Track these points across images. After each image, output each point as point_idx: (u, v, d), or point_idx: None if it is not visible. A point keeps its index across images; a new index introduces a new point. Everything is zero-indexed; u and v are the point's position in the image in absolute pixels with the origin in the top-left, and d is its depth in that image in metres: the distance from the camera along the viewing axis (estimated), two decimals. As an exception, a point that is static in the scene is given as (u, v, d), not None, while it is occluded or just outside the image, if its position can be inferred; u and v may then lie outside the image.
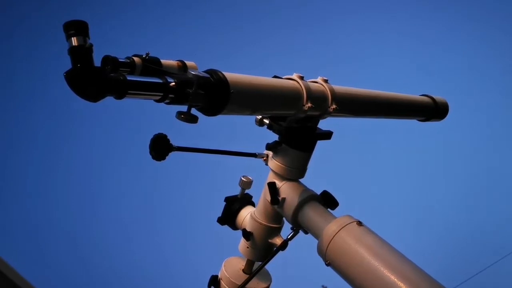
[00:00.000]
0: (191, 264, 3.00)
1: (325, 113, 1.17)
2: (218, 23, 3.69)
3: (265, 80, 1.05)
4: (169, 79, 0.82)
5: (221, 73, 0.89)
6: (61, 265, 2.97)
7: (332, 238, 1.06)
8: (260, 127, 1.23)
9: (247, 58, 3.45)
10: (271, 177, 1.26)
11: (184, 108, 0.86)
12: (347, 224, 1.08)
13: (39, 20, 3.35)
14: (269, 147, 1.22)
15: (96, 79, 0.72)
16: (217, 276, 1.42)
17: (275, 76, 1.13)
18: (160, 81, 0.81)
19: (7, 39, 3.27)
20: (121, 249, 3.10)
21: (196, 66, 1.12)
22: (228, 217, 1.46)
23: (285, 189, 1.22)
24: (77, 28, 0.72)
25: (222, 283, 1.38)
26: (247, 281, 1.31)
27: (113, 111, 3.14)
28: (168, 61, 1.09)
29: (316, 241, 1.13)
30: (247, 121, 1.19)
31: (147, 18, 3.64)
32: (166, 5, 3.70)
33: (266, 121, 1.22)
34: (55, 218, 3.11)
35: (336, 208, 1.21)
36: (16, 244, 3.00)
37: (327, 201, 1.21)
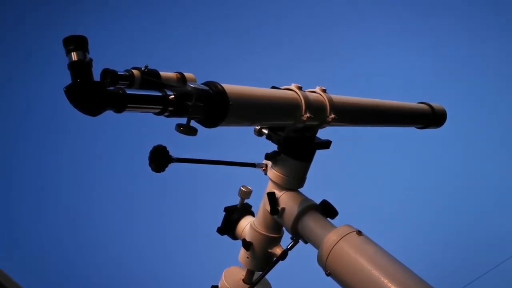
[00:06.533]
0: (190, 275, 2.98)
1: (323, 123, 1.17)
2: (217, 33, 3.70)
3: (264, 91, 1.05)
4: (168, 92, 0.81)
5: (220, 85, 0.89)
6: (61, 267, 2.95)
7: (332, 248, 1.06)
8: (259, 137, 1.24)
9: (246, 68, 3.46)
10: (271, 187, 1.26)
11: (183, 120, 0.86)
12: (346, 234, 1.08)
13: (37, 21, 3.35)
14: (268, 157, 1.22)
15: (96, 93, 0.72)
16: (217, 286, 1.42)
17: (273, 87, 1.13)
18: (159, 94, 0.81)
19: (7, 39, 3.27)
20: (118, 258, 3.08)
21: (195, 78, 1.12)
22: (228, 227, 1.46)
23: (285, 199, 1.22)
24: (77, 43, 0.72)
25: (222, 293, 1.38)
26: (247, 291, 1.31)
27: (112, 124, 3.13)
28: (167, 73, 1.10)
29: (316, 250, 1.13)
30: (246, 131, 1.20)
31: (145, 28, 3.66)
32: (164, 15, 3.72)
33: (265, 131, 1.22)
34: (56, 220, 3.10)
35: (336, 218, 1.21)
36: (16, 247, 2.98)
37: (327, 210, 1.21)
